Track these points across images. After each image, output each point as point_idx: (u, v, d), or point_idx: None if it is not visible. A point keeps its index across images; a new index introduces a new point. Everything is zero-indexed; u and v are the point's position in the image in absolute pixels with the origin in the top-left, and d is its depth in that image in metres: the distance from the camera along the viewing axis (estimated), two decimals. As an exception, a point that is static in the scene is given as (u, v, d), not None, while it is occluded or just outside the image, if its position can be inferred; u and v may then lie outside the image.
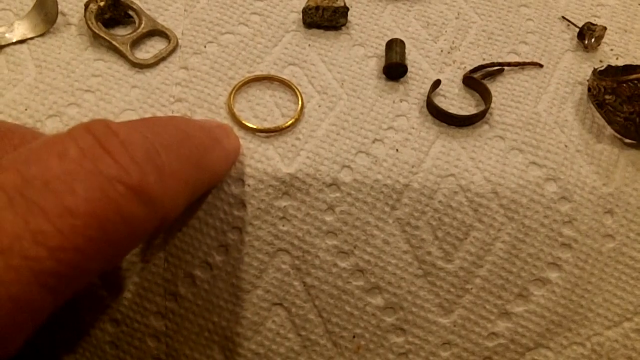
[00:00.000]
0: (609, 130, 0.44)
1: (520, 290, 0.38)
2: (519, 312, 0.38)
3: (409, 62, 0.47)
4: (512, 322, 0.37)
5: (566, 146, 0.43)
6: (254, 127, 0.42)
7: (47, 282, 0.22)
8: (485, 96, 0.45)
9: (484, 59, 0.48)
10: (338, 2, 0.48)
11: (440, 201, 0.40)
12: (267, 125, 0.42)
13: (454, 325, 0.37)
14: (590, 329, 0.37)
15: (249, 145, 0.41)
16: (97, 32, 0.45)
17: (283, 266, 0.38)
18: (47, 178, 0.23)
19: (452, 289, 0.38)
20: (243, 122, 0.42)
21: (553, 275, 0.39)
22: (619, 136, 0.44)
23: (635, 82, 0.42)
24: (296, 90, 0.44)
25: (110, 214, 0.24)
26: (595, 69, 0.45)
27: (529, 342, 0.37)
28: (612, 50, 0.49)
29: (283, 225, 0.39)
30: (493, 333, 0.37)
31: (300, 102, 0.43)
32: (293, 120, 0.42)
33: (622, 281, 0.39)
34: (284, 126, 0.42)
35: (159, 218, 0.27)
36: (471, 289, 0.38)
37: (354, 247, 0.38)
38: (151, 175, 0.26)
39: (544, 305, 0.38)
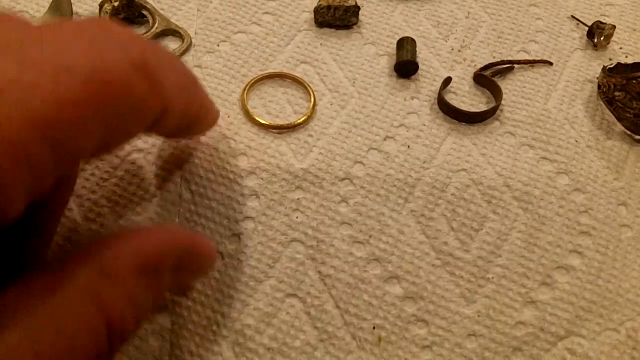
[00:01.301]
0: (618, 126, 0.44)
1: (543, 277, 0.38)
2: (545, 299, 0.37)
3: (419, 60, 0.47)
4: (539, 310, 0.37)
5: (576, 142, 0.43)
6: (267, 123, 0.42)
7: (43, 131, 0.21)
8: (496, 93, 0.45)
9: (494, 57, 0.48)
10: (349, 2, 0.48)
11: (452, 194, 0.41)
12: (279, 122, 0.43)
13: (478, 315, 0.37)
14: (623, 314, 0.37)
15: (262, 141, 0.42)
16: (112, 30, 0.45)
17: (297, 256, 0.38)
18: (44, 36, 0.23)
19: (472, 279, 0.38)
20: (256, 118, 0.42)
21: (576, 262, 0.39)
22: (628, 132, 0.44)
23: (646, 77, 0.43)
24: (308, 88, 0.44)
25: (109, 77, 0.23)
26: (604, 67, 0.45)
27: (559, 330, 0.36)
28: (621, 48, 0.49)
29: (297, 217, 0.39)
30: (520, 322, 0.37)
31: (312, 100, 0.44)
32: (305, 117, 0.43)
33: (645, 269, 0.39)
34: (296, 123, 0.42)
35: (160, 104, 0.27)
36: (492, 277, 0.38)
37: (369, 237, 0.39)
38: (151, 55, 0.26)
39: (570, 291, 0.38)
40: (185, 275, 0.31)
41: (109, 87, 0.23)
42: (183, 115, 0.31)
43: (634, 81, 0.43)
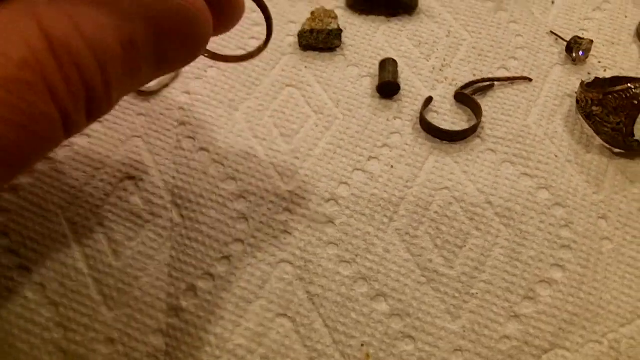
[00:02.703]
0: (597, 140, 0.45)
1: (526, 292, 0.39)
2: (529, 313, 0.38)
3: (402, 80, 0.48)
4: (522, 324, 0.38)
5: (556, 156, 0.44)
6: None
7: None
8: (477, 111, 0.46)
9: (474, 75, 0.49)
10: (332, 25, 0.49)
11: (436, 212, 0.42)
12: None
13: (464, 330, 0.38)
14: (605, 326, 0.38)
15: (249, 165, 0.43)
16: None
17: (286, 276, 0.39)
18: None
19: (457, 294, 0.39)
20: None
21: (557, 275, 0.40)
22: (607, 146, 0.45)
23: (621, 93, 0.44)
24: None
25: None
26: (582, 82, 0.47)
27: (543, 343, 0.37)
28: (599, 62, 0.51)
29: (285, 238, 0.40)
30: (505, 336, 0.38)
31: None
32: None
33: (627, 280, 0.40)
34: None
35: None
36: (476, 293, 0.39)
37: (356, 256, 0.40)
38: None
39: (553, 305, 0.39)
40: (164, 37, 0.27)
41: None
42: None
43: (610, 96, 0.44)
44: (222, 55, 0.35)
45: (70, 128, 0.24)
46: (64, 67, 0.22)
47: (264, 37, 0.34)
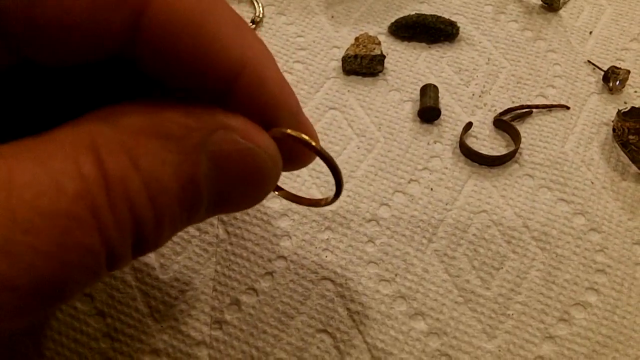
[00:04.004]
0: (633, 168, 0.46)
1: (561, 314, 0.40)
2: (563, 335, 0.39)
3: (442, 105, 0.50)
4: (557, 345, 0.39)
5: (592, 183, 0.45)
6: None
7: None
8: (515, 137, 0.47)
9: (513, 102, 0.50)
10: (375, 51, 0.51)
11: (474, 234, 0.43)
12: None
13: (499, 350, 0.39)
14: (638, 349, 0.39)
15: (292, 184, 0.44)
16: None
17: (327, 293, 0.40)
18: None
19: (493, 315, 0.40)
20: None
21: (592, 298, 0.41)
22: (643, 173, 0.46)
23: (658, 122, 0.45)
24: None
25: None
26: (619, 111, 0.48)
27: (574, 365, 0.39)
28: (636, 92, 0.51)
29: (326, 256, 0.42)
30: (539, 356, 0.38)
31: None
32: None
33: (659, 306, 0.41)
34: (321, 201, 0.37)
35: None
36: (512, 314, 0.40)
37: (395, 275, 0.41)
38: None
39: (587, 327, 0.39)
40: (229, 180, 0.26)
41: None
42: (264, 79, 0.26)
43: (647, 125, 0.45)
44: (295, 196, 0.36)
45: (114, 263, 0.23)
46: (116, 203, 0.21)
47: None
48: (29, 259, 0.19)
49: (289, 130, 0.27)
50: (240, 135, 0.25)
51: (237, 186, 0.26)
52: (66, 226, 0.20)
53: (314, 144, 0.28)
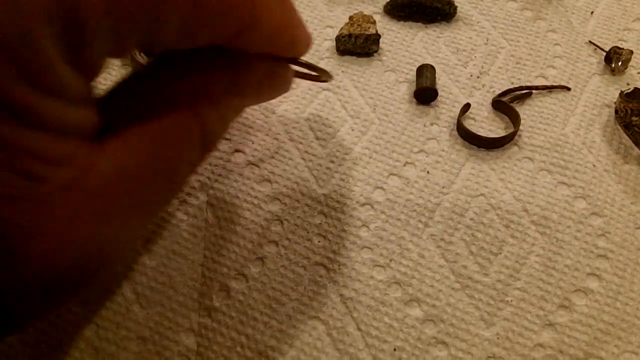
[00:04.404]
0: (636, 151, 0.45)
1: (561, 300, 0.39)
2: (564, 322, 0.38)
3: (439, 86, 0.48)
4: (557, 333, 0.38)
5: (594, 166, 0.44)
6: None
7: None
8: (514, 119, 0.46)
9: (512, 83, 0.49)
10: (370, 30, 0.49)
11: (471, 219, 0.41)
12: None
13: (497, 338, 0.37)
14: (641, 337, 0.38)
15: (284, 167, 0.43)
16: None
17: (319, 279, 0.39)
18: None
19: (491, 302, 0.39)
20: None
21: (594, 284, 0.39)
22: (646, 156, 0.45)
23: (662, 103, 0.43)
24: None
25: None
26: (622, 92, 0.46)
27: (578, 353, 0.37)
28: (638, 73, 0.50)
29: (319, 241, 0.40)
30: (539, 344, 0.37)
31: None
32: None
33: (663, 293, 0.40)
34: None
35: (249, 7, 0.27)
36: (511, 300, 0.39)
37: (390, 260, 0.40)
38: None
39: (589, 314, 0.38)
40: (265, 93, 0.35)
41: None
42: (275, 29, 0.30)
43: (650, 106, 0.43)
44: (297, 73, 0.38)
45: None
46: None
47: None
48: None
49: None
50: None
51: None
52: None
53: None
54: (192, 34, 0.26)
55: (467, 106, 0.47)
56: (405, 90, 0.48)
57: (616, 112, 0.46)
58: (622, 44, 0.52)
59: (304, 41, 0.34)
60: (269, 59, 0.33)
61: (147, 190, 0.29)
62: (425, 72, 0.48)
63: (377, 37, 0.50)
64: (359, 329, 0.37)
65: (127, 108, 0.27)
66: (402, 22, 0.53)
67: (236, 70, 0.32)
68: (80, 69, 0.23)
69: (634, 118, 0.44)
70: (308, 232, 0.41)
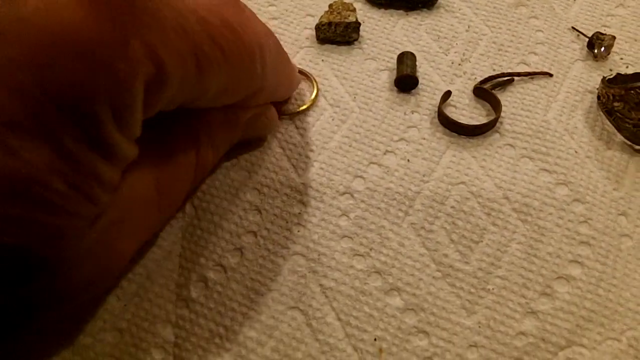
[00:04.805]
0: (618, 136, 0.44)
1: (543, 288, 0.38)
2: (545, 309, 0.37)
3: (420, 74, 0.48)
4: (539, 321, 0.37)
5: (576, 152, 0.44)
6: None
7: None
8: (495, 106, 0.45)
9: (494, 70, 0.48)
10: (350, 18, 0.49)
11: (452, 207, 0.41)
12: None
13: (479, 326, 0.37)
14: (623, 323, 0.37)
15: (263, 156, 0.42)
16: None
17: (298, 269, 0.38)
18: None
19: (472, 290, 0.38)
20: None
21: (576, 271, 0.39)
22: (628, 143, 0.44)
23: (644, 88, 0.43)
24: (312, 79, 0.47)
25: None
26: (604, 78, 0.46)
27: (560, 340, 0.36)
28: (622, 59, 0.50)
29: (298, 231, 0.40)
30: (521, 332, 0.37)
31: (315, 90, 0.47)
32: (309, 103, 0.46)
33: (647, 278, 0.39)
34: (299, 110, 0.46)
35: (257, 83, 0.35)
36: (492, 289, 0.38)
37: (370, 250, 0.39)
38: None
39: (571, 301, 0.38)
40: (252, 131, 0.41)
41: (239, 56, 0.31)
42: (274, 93, 0.40)
43: (633, 91, 0.43)
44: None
45: None
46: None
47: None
48: None
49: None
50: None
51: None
52: None
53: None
54: (220, 101, 0.34)
55: (448, 94, 0.46)
56: (385, 78, 0.48)
57: (598, 98, 0.46)
58: (605, 29, 0.51)
59: (294, 87, 0.45)
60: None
61: (153, 211, 0.34)
62: (405, 60, 0.47)
63: (357, 25, 0.49)
64: (339, 319, 0.37)
65: (140, 141, 0.29)
66: (382, 10, 0.52)
67: (230, 111, 0.38)
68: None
69: (616, 104, 0.44)
70: (287, 222, 0.40)
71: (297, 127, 0.44)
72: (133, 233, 0.33)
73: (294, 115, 0.45)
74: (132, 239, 0.33)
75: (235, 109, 0.37)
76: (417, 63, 0.48)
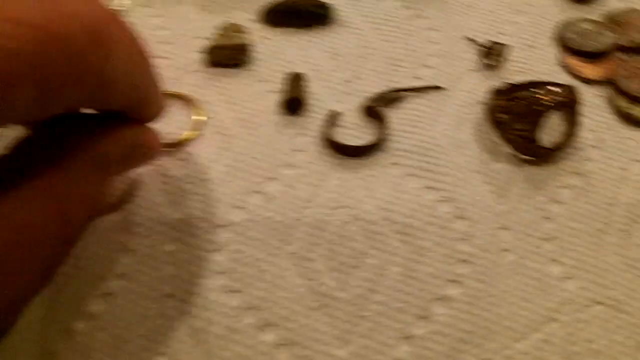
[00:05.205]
0: (506, 148, 0.44)
1: (420, 310, 0.37)
2: (421, 334, 0.37)
3: (310, 94, 0.47)
4: (414, 346, 0.36)
5: (462, 167, 0.43)
6: None
7: None
8: (383, 124, 0.45)
9: (387, 86, 0.47)
10: (239, 40, 0.48)
11: (333, 232, 0.40)
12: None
13: (353, 356, 0.36)
14: (499, 342, 0.36)
15: (136, 192, 0.41)
16: None
17: (167, 311, 0.37)
18: None
19: (348, 318, 0.37)
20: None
21: (453, 292, 0.38)
22: (515, 154, 0.43)
23: (524, 98, 0.42)
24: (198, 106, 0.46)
25: (54, 30, 0.24)
26: (493, 88, 0.45)
27: (434, 364, 0.36)
28: (515, 68, 0.49)
29: (170, 270, 0.38)
30: (396, 359, 0.36)
31: (199, 117, 0.45)
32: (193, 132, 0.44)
33: (526, 292, 0.38)
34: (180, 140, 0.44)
35: (102, 72, 0.28)
36: (368, 315, 0.37)
37: (245, 285, 0.38)
38: (106, 25, 0.28)
39: (447, 323, 0.37)
40: (131, 164, 0.36)
41: (52, 41, 0.24)
42: (129, 94, 0.31)
43: (514, 102, 0.42)
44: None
45: None
46: None
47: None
48: None
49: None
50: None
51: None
52: None
53: None
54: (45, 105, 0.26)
55: (334, 114, 0.45)
56: (274, 101, 0.47)
57: (486, 109, 0.45)
58: (501, 37, 0.51)
59: (156, 109, 0.36)
60: (131, 126, 0.34)
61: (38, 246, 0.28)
62: (292, 82, 0.46)
63: (245, 47, 0.48)
64: (209, 362, 0.36)
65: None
66: (278, 30, 0.51)
67: (96, 142, 0.31)
68: None
69: (502, 115, 0.43)
70: (160, 262, 0.39)
71: (176, 158, 0.43)
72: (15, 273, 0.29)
73: (174, 145, 0.43)
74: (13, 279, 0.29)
75: (98, 138, 0.31)
76: (306, 83, 0.47)
